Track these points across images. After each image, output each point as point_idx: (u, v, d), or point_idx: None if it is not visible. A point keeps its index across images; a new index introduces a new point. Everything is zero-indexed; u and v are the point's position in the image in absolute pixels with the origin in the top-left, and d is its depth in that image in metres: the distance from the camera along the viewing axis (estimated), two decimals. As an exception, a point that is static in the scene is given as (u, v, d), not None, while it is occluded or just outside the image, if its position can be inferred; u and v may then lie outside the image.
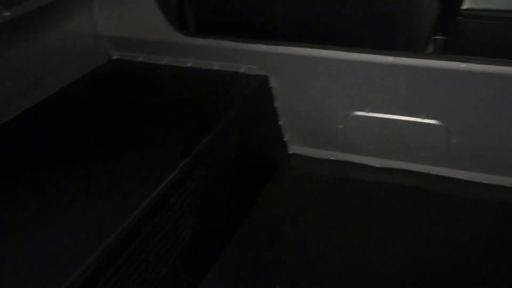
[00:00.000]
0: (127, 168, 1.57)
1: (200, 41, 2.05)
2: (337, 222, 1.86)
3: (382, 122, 1.95)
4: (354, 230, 1.83)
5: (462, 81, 1.74)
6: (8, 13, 1.66)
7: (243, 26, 2.10)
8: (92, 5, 2.13)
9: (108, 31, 2.17)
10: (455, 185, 1.98)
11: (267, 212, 1.94)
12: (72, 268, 1.22)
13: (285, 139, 2.19)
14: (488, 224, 1.81)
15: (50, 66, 1.97)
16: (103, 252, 1.28)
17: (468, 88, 1.75)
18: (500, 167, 1.91)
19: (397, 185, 2.00)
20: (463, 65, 1.68)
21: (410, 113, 1.89)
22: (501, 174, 1.92)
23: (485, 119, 1.80)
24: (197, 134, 1.70)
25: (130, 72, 2.15)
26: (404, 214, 1.87)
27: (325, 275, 1.67)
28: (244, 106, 1.92)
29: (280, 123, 2.14)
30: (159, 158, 1.60)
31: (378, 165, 2.10)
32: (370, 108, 1.94)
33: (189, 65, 2.12)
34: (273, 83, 2.03)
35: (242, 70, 2.04)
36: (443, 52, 2.27)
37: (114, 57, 2.24)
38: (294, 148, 2.21)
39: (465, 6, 2.07)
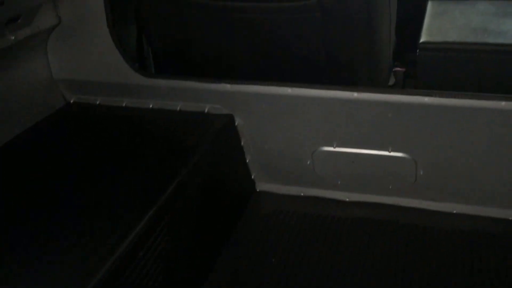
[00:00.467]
0: (87, 224, 1.48)
1: (162, 82, 2.00)
2: (308, 260, 1.84)
3: (350, 156, 1.95)
4: (326, 267, 1.80)
5: (427, 114, 1.76)
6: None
7: (203, 65, 2.07)
8: (47, 48, 2.06)
9: (64, 75, 2.10)
10: (424, 216, 1.99)
11: (238, 252, 1.90)
12: None
13: (253, 176, 2.16)
14: (458, 254, 1.82)
15: (0, 114, 1.88)
16: None
17: (433, 121, 1.77)
18: (468, 196, 1.94)
19: (367, 219, 2.00)
20: (426, 99, 1.71)
21: (377, 147, 1.90)
22: (469, 203, 1.95)
23: (451, 150, 1.83)
24: (163, 181, 1.64)
25: (89, 116, 2.08)
26: (374, 248, 1.87)
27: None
28: (210, 147, 1.88)
29: (247, 161, 2.11)
30: (123, 211, 1.52)
31: (347, 199, 2.09)
32: (337, 143, 1.94)
33: (150, 106, 2.06)
34: (238, 121, 2.00)
35: (206, 109, 2.00)
36: (404, 82, 2.30)
37: (71, 101, 2.16)
38: (262, 185, 2.18)
39: (422, 39, 2.12)
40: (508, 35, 2.03)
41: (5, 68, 1.89)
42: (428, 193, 1.97)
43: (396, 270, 1.77)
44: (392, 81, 2.23)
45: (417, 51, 2.10)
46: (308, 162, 2.01)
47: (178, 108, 2.03)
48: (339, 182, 2.05)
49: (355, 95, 1.78)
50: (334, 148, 1.95)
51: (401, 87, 2.28)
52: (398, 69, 2.26)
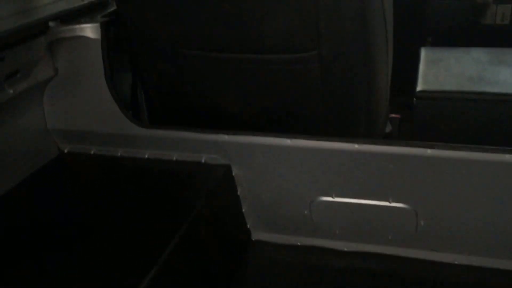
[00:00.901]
0: (84, 286, 1.43)
1: (158, 133, 1.97)
2: None
3: (349, 207, 1.92)
4: None
5: (428, 165, 1.74)
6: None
7: (200, 115, 2.05)
8: (41, 99, 2.03)
9: (59, 124, 2.06)
10: (425, 267, 1.95)
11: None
12: None
13: (249, 225, 2.12)
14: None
15: None
16: None
17: (434, 172, 1.76)
18: (470, 247, 1.91)
19: (366, 269, 1.96)
20: (429, 151, 1.70)
21: (377, 198, 1.87)
22: (471, 254, 1.92)
23: (453, 202, 1.81)
24: (163, 238, 1.59)
25: (83, 166, 2.04)
26: None
27: None
28: (208, 200, 1.84)
29: (243, 210, 2.07)
30: (123, 272, 1.47)
31: (346, 249, 2.05)
32: (336, 193, 1.91)
33: (146, 156, 2.03)
34: (235, 171, 1.97)
35: (203, 159, 1.97)
36: (399, 128, 2.31)
37: (65, 150, 2.12)
38: (258, 235, 2.14)
39: (419, 88, 2.12)
40: (505, 84, 2.05)
41: (2, 121, 1.85)
42: (429, 243, 1.94)
43: None
44: (389, 127, 2.22)
45: (414, 99, 2.11)
46: (306, 212, 1.97)
47: (175, 158, 2.00)
48: (337, 232, 2.02)
49: (356, 146, 1.77)
50: (333, 198, 1.92)
51: (398, 133, 2.28)
52: (394, 115, 2.27)
